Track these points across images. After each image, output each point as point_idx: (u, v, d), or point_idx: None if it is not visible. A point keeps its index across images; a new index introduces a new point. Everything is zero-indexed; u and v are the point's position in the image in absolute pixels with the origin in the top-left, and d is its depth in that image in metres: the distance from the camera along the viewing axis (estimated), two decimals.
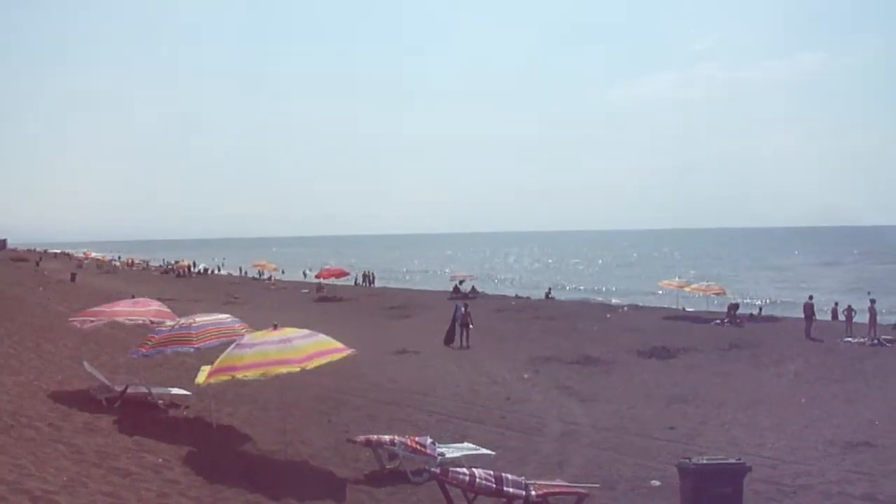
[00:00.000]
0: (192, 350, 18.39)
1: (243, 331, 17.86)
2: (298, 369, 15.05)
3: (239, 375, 15.27)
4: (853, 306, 44.87)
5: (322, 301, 63.44)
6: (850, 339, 40.68)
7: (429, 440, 16.67)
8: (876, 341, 39.52)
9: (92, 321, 21.04)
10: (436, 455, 16.10)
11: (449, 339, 39.29)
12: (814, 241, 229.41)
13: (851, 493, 16.48)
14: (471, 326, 39.61)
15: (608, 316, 52.53)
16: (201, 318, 19.06)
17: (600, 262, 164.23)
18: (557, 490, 14.44)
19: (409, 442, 16.24)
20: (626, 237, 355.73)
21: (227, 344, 16.50)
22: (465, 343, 38.71)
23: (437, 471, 13.76)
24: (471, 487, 13.44)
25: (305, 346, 15.55)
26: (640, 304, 65.68)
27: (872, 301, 42.17)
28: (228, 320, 19.21)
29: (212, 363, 15.98)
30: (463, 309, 40.32)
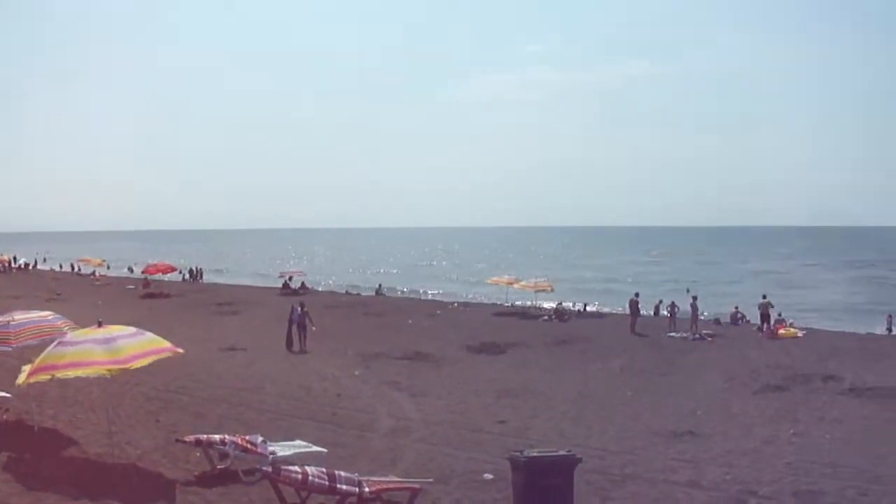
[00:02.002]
0: (9, 349, 17.75)
1: (66, 328, 17.34)
2: (124, 369, 14.69)
3: (59, 375, 14.81)
4: (676, 303, 46.53)
5: (148, 297, 61.90)
6: (673, 334, 42.20)
7: (260, 439, 16.49)
8: (697, 336, 41.19)
9: None
10: (267, 454, 15.91)
11: (289, 343, 36.37)
12: (648, 240, 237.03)
13: (676, 481, 17.14)
14: (313, 328, 37.38)
15: (438, 312, 52.94)
16: (21, 316, 18.42)
17: (433, 259, 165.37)
18: (390, 486, 14.50)
19: (239, 441, 16.01)
20: (464, 234, 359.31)
21: (49, 343, 15.95)
22: (302, 346, 36.21)
23: (269, 469, 13.63)
24: (303, 485, 13.37)
25: (131, 345, 15.16)
26: (470, 300, 66.45)
27: (694, 298, 43.98)
28: (50, 318, 18.63)
29: (33, 363, 15.44)
30: (300, 310, 37.48)
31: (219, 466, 15.98)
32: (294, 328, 36.79)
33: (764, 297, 45.16)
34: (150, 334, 16.08)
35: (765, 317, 43.76)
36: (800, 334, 43.08)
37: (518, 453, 14.31)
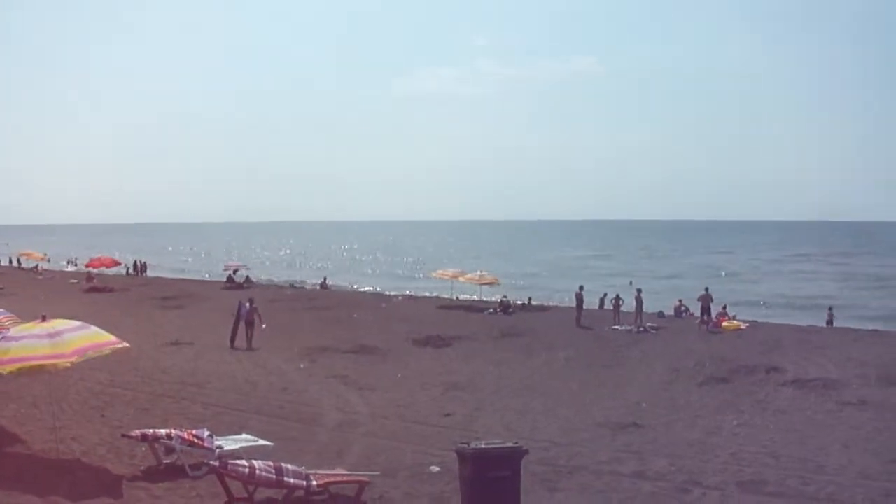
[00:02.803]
0: None
1: (9, 323, 17.19)
2: (69, 363, 14.56)
3: (4, 371, 14.62)
4: (620, 296, 46.90)
5: (92, 291, 61.16)
6: (617, 326, 42.49)
7: (206, 433, 16.40)
8: (641, 329, 41.51)
9: None
10: (214, 448, 15.83)
11: (233, 340, 34.49)
12: (592, 235, 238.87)
13: (621, 472, 17.34)
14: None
15: (383, 305, 52.96)
16: None
17: (378, 252, 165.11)
18: (338, 479, 14.50)
19: (185, 435, 15.91)
20: (409, 227, 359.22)
21: None
22: (249, 344, 34.30)
23: (216, 464, 13.57)
24: (251, 479, 13.33)
25: (76, 339, 15.03)
26: (416, 293, 66.50)
27: (639, 291, 44.38)
28: None
29: None
30: (248, 305, 35.75)
31: (165, 461, 15.89)
32: (241, 325, 35.06)
33: (706, 289, 45.59)
34: (94, 328, 15.94)
35: (705, 309, 44.18)
36: (743, 327, 43.63)
37: (465, 445, 14.35)
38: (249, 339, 34.74)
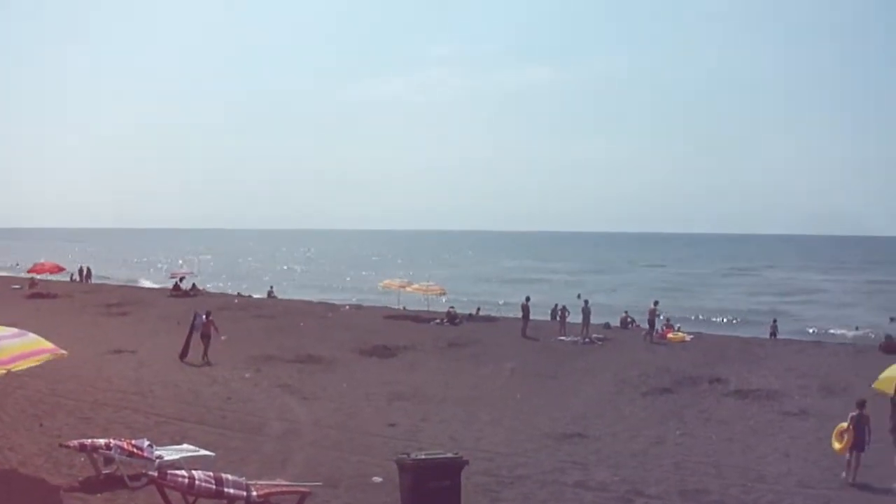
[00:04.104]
0: None
1: None
2: (5, 371, 14.34)
3: None
4: (567, 307, 47.10)
5: (34, 297, 60.30)
6: (563, 338, 42.58)
7: (146, 443, 16.22)
8: (588, 340, 41.64)
9: None
10: (154, 458, 15.66)
11: (185, 354, 32.96)
12: (541, 246, 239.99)
13: (565, 482, 17.47)
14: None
15: (330, 315, 52.68)
16: None
17: (323, 260, 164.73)
18: (279, 490, 14.38)
19: (125, 445, 15.72)
20: (358, 236, 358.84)
21: None
22: (204, 358, 32.52)
23: (156, 474, 13.41)
24: (190, 490, 13.18)
25: (13, 347, 14.83)
26: (362, 303, 66.30)
27: (586, 302, 44.48)
28: None
29: None
30: (204, 317, 33.99)
31: (104, 472, 15.69)
32: (196, 336, 33.41)
33: (656, 303, 45.90)
34: (32, 335, 15.73)
35: (651, 322, 44.48)
36: (688, 338, 44.08)
37: (405, 456, 14.40)
38: (205, 352, 32.90)
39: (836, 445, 18.73)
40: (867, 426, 18.33)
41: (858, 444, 18.17)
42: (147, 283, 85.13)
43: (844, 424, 18.52)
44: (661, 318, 46.04)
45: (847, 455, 18.36)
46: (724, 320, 64.22)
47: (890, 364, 20.66)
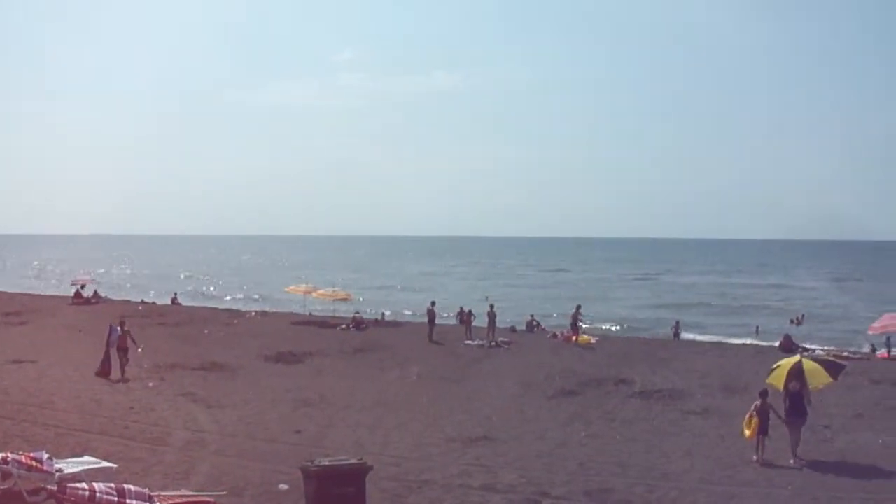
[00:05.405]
0: None
1: None
2: None
3: None
4: (472, 311, 47.34)
5: None
6: (469, 341, 42.78)
7: (45, 455, 15.84)
8: (493, 343, 41.85)
9: None
10: (53, 471, 15.30)
11: (105, 371, 30.85)
12: (446, 251, 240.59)
13: (471, 485, 17.55)
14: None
15: (235, 321, 52.31)
16: None
17: (230, 268, 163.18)
18: (183, 500, 14.23)
19: (23, 459, 15.32)
20: (261, 241, 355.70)
21: None
22: (122, 374, 30.71)
23: (55, 488, 13.17)
24: (91, 503, 12.95)
25: None
26: (268, 309, 65.92)
27: (492, 306, 44.69)
28: None
29: None
30: (120, 329, 31.84)
31: (1, 487, 15.29)
32: (113, 351, 31.29)
33: (578, 306, 46.28)
34: None
35: (575, 325, 44.96)
36: (593, 341, 44.56)
37: (309, 463, 14.36)
38: (123, 367, 31.07)
39: (746, 433, 20.64)
40: (770, 413, 20.46)
41: (763, 429, 20.31)
42: (48, 291, 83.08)
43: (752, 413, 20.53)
44: (583, 320, 46.53)
45: (755, 440, 20.33)
46: (626, 326, 64.94)
47: None
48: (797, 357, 23.00)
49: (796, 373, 21.00)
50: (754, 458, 20.23)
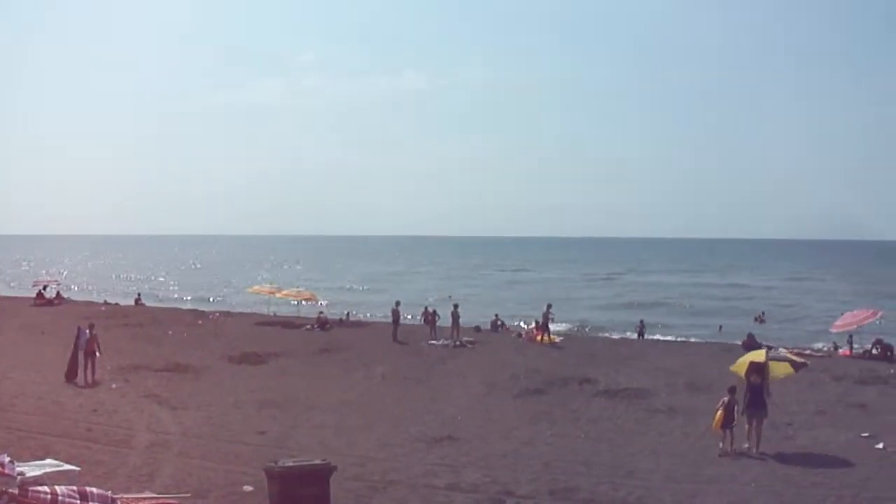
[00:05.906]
0: None
1: None
2: None
3: None
4: (437, 310, 47.29)
5: None
6: (434, 341, 42.74)
7: (6, 459, 15.65)
8: (458, 343, 41.85)
9: None
10: (14, 474, 15.11)
11: (72, 374, 30.23)
12: (411, 250, 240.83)
13: (436, 485, 17.58)
14: (98, 355, 31.09)
15: (199, 322, 52.01)
16: None
17: (192, 269, 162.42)
18: (147, 502, 14.12)
19: None
20: (223, 241, 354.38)
21: None
22: (90, 378, 30.21)
23: (17, 492, 13.03)
24: None
25: None
26: (232, 309, 65.66)
27: (455, 306, 44.67)
28: None
29: None
30: (88, 332, 31.17)
31: None
32: (81, 355, 30.56)
33: (549, 305, 46.41)
34: None
35: (545, 324, 44.99)
36: (558, 340, 44.67)
37: (273, 464, 14.33)
38: (91, 371, 30.59)
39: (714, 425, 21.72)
40: (735, 408, 21.43)
41: (728, 422, 21.30)
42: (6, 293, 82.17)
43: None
44: (553, 319, 46.55)
45: (721, 432, 21.34)
46: (589, 328, 65.00)
47: None
48: (763, 351, 24.09)
49: (758, 368, 21.95)
50: (720, 444, 21.26)
